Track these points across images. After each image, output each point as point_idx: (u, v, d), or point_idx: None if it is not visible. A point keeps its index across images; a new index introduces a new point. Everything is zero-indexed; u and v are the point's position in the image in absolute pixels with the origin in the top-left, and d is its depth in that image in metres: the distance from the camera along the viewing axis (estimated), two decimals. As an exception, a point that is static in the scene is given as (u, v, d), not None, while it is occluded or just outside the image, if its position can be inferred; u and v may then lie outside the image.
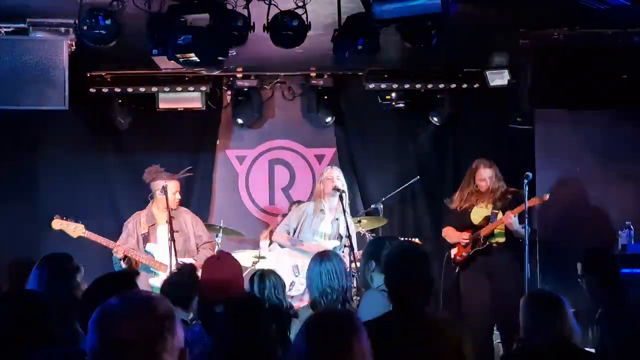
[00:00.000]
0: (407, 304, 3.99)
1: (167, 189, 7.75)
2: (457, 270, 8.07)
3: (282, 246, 8.06)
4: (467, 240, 7.92)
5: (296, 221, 7.93)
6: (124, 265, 7.81)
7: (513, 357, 4.41)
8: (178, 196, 7.99)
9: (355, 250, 7.55)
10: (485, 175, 7.96)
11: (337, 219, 7.79)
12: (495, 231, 7.88)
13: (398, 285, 4.00)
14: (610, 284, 5.67)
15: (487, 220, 7.95)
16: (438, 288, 7.74)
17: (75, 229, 7.53)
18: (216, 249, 8.26)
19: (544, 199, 7.70)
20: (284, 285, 5.41)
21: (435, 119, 9.87)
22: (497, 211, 7.93)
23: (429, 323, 4.01)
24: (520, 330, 4.39)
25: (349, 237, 7.37)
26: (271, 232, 8.92)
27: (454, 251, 8.08)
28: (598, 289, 5.66)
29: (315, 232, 7.86)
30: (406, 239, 8.19)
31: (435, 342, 3.95)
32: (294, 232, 7.92)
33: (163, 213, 7.85)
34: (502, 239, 7.89)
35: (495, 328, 8.06)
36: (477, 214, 8.02)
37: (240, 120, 9.83)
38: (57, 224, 7.53)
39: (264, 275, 5.38)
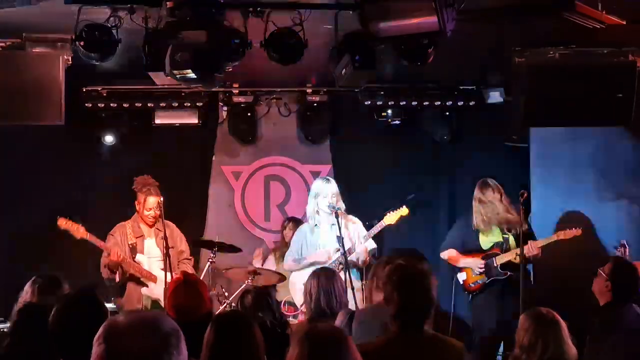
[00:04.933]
0: (407, 323, 3.97)
1: (161, 204, 7.75)
2: (470, 297, 7.98)
3: (292, 271, 8.07)
4: (482, 270, 7.84)
5: (298, 244, 7.96)
6: (117, 277, 7.81)
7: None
8: (154, 212, 7.93)
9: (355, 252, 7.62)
10: (495, 198, 7.90)
11: (333, 224, 7.76)
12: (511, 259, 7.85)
13: (399, 304, 3.98)
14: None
15: (499, 246, 7.88)
16: (439, 310, 7.68)
17: (78, 230, 7.57)
18: (206, 265, 8.27)
19: (577, 234, 7.69)
20: (267, 300, 5.39)
21: (432, 136, 9.87)
22: (507, 236, 7.89)
23: (432, 342, 3.99)
24: (515, 348, 4.38)
25: (343, 253, 7.37)
26: (263, 252, 8.92)
27: (462, 276, 7.97)
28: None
29: (317, 246, 7.87)
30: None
31: None
32: (298, 254, 7.94)
33: (148, 227, 7.92)
34: (515, 262, 7.84)
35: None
36: (487, 239, 7.95)
37: (236, 136, 9.82)
38: (63, 223, 7.55)
39: (242, 298, 5.37)
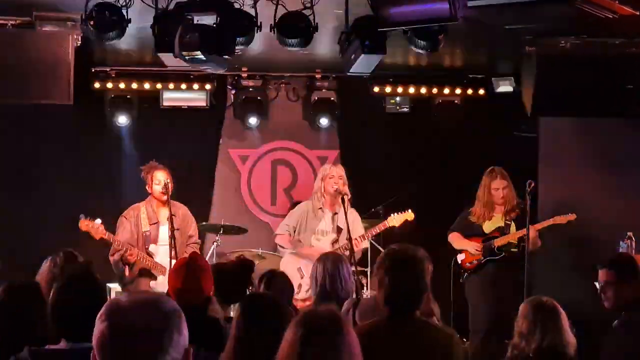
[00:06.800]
0: (397, 309, 3.95)
1: (168, 186, 7.74)
2: (465, 275, 8.09)
3: (282, 247, 8.07)
4: (479, 252, 7.93)
5: (296, 220, 7.94)
6: (127, 272, 7.78)
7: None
8: (161, 188, 7.86)
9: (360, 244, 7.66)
10: (500, 185, 7.94)
11: (336, 214, 7.76)
12: (509, 242, 7.89)
13: (390, 289, 3.95)
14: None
15: (500, 231, 7.95)
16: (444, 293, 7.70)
17: (97, 230, 7.53)
18: (211, 247, 8.27)
19: (572, 219, 7.71)
20: (290, 289, 5.40)
21: (440, 124, 9.85)
22: (509, 223, 7.94)
23: (420, 328, 3.98)
24: (514, 336, 4.37)
25: (349, 239, 7.35)
26: None
27: (461, 257, 8.09)
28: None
29: (315, 230, 7.86)
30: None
31: (426, 347, 3.93)
32: (294, 231, 7.92)
33: (163, 209, 7.84)
34: (515, 250, 7.89)
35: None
36: (490, 224, 8.02)
37: (243, 120, 9.81)
38: (84, 225, 7.50)
39: (270, 279, 5.37)
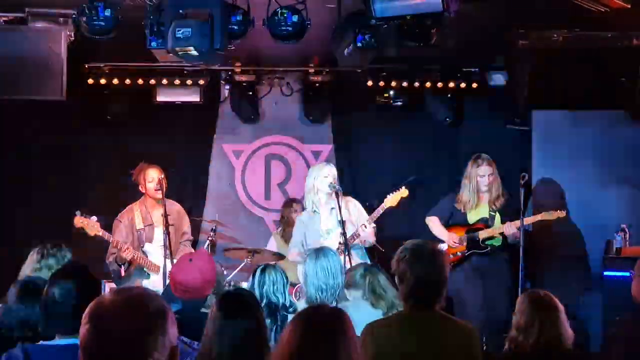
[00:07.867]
0: (420, 302, 3.98)
1: (162, 182, 7.71)
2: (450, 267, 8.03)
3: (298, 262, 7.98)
4: (457, 243, 7.88)
5: (300, 234, 7.88)
6: (122, 272, 7.76)
7: (502, 358, 4.40)
8: (156, 185, 7.81)
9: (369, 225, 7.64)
10: (485, 172, 7.89)
11: (333, 208, 7.73)
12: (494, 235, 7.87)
13: (414, 284, 3.97)
14: None
15: (485, 222, 7.89)
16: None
17: (92, 227, 7.45)
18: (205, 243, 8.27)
19: (561, 215, 7.67)
20: (285, 282, 5.40)
21: (433, 117, 9.85)
22: (494, 214, 7.90)
23: (442, 322, 4.01)
24: (511, 329, 4.38)
25: (343, 234, 7.34)
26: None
27: (443, 246, 7.96)
28: None
29: (320, 232, 7.81)
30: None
31: (448, 341, 3.96)
32: (302, 244, 7.86)
33: (157, 209, 7.81)
34: (499, 243, 7.86)
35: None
36: (474, 214, 7.97)
37: (237, 115, 9.81)
38: (79, 221, 7.42)
39: (264, 271, 5.36)
